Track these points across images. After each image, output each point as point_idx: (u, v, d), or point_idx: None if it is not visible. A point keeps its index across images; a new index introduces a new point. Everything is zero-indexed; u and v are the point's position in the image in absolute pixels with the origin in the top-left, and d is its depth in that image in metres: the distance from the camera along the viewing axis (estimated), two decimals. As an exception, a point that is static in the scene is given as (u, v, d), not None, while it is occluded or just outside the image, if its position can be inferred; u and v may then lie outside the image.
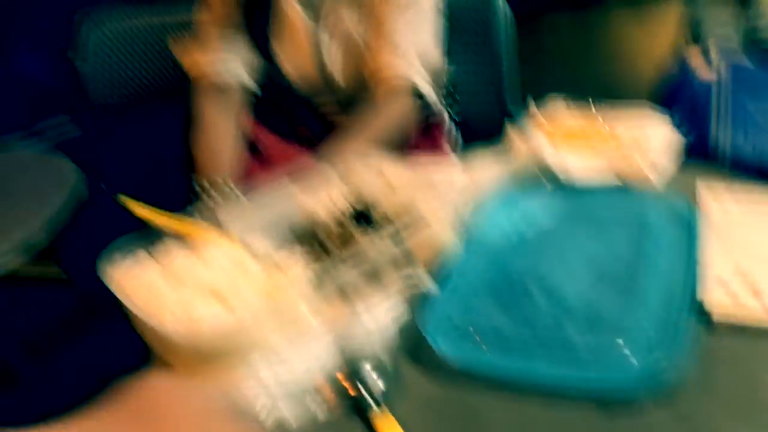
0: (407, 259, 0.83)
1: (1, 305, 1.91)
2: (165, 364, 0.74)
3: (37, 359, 1.92)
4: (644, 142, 1.00)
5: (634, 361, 0.67)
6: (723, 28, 1.73)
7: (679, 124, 1.07)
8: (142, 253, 0.81)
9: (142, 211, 0.85)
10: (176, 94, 2.03)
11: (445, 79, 1.43)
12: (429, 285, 0.81)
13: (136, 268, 0.78)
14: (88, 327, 2.06)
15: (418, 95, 1.26)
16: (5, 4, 2.17)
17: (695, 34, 1.84)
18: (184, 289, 0.73)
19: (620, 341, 0.70)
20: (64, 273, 1.68)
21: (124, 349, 0.90)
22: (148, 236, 0.83)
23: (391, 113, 1.22)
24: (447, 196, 0.87)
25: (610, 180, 0.97)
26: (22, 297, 2.15)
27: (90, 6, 1.73)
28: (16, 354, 1.74)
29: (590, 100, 1.13)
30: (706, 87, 1.39)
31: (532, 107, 1.18)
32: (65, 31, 1.73)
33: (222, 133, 1.22)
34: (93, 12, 1.73)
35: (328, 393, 0.68)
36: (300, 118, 1.34)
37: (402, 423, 0.63)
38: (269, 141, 1.29)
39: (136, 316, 0.70)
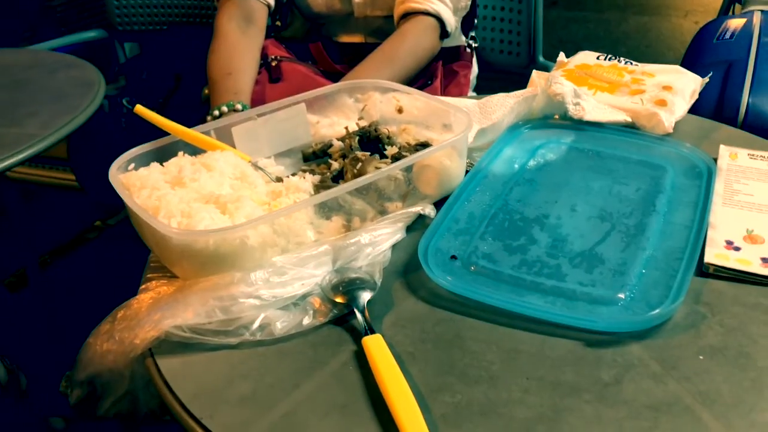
0: (412, 187, 0.82)
1: (18, 214, 1.94)
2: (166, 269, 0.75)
3: (47, 266, 1.97)
4: (669, 93, 0.97)
5: (626, 304, 0.67)
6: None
7: (707, 83, 1.05)
8: (151, 160, 0.81)
9: (157, 120, 0.85)
10: (201, 18, 2.03)
11: (473, 19, 1.40)
12: (431, 213, 0.81)
13: (143, 172, 0.78)
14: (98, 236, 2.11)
15: (440, 25, 1.23)
16: None
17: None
18: (186, 194, 0.73)
19: (616, 284, 0.69)
20: (78, 181, 1.70)
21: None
22: (160, 145, 0.84)
23: (412, 42, 1.20)
24: (460, 128, 0.86)
25: (630, 127, 0.95)
26: (37, 205, 2.20)
27: None
28: (31, 260, 1.78)
29: (621, 56, 1.10)
30: (742, 49, 1.35)
31: (561, 55, 1.16)
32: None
33: (241, 53, 1.20)
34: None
35: (320, 306, 0.69)
36: (321, 45, 1.32)
37: (388, 340, 0.64)
38: (288, 64, 1.27)
39: (137, 216, 0.71)
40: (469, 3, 1.29)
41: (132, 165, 0.80)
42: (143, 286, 0.74)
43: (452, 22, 1.25)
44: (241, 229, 0.68)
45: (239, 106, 1.09)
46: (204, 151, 0.84)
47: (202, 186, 0.75)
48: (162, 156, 0.83)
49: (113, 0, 2.08)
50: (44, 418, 1.50)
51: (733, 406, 0.57)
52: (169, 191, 0.74)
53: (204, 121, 1.11)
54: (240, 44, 1.22)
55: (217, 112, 1.09)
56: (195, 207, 0.71)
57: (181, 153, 0.82)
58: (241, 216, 0.71)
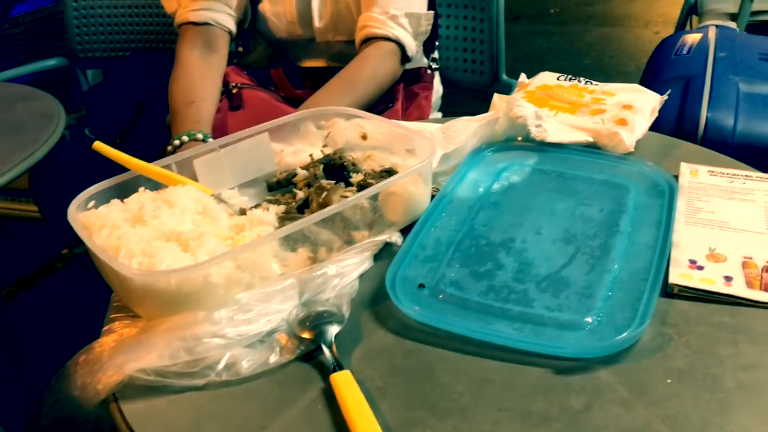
0: (378, 215, 0.82)
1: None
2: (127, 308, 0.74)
3: (13, 298, 1.92)
4: (629, 112, 0.98)
5: (594, 329, 0.67)
6: (722, 3, 1.70)
7: (667, 100, 1.06)
8: (111, 197, 0.80)
9: (117, 156, 0.83)
10: (164, 43, 2.01)
11: (434, 42, 1.41)
12: (398, 241, 0.81)
13: (103, 210, 0.77)
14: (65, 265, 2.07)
15: (401, 50, 1.24)
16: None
17: (694, 9, 1.82)
18: (147, 232, 0.72)
19: (582, 308, 0.69)
20: (40, 212, 1.66)
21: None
22: (120, 181, 0.83)
23: (372, 67, 1.20)
24: (424, 154, 0.86)
25: (592, 147, 0.96)
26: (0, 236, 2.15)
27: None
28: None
29: (585, 67, 1.12)
30: (700, 64, 1.37)
31: (522, 76, 1.16)
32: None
33: (202, 81, 1.19)
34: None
35: (287, 343, 0.68)
36: (282, 70, 1.32)
37: (357, 375, 0.63)
38: (249, 91, 1.27)
39: (96, 256, 0.69)
40: (430, 27, 1.29)
41: (92, 203, 0.79)
42: (106, 328, 0.73)
43: (413, 46, 1.25)
44: (204, 266, 0.67)
45: (200, 136, 1.08)
46: (166, 186, 0.83)
47: (164, 223, 0.74)
48: (123, 192, 0.81)
49: (74, 27, 2.06)
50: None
51: (701, 430, 0.57)
52: (129, 230, 0.72)
53: (169, 149, 1.10)
54: (201, 72, 1.21)
55: (177, 142, 1.08)
56: (156, 245, 0.70)
57: (142, 189, 0.81)
58: (203, 253, 0.70)
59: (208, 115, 1.14)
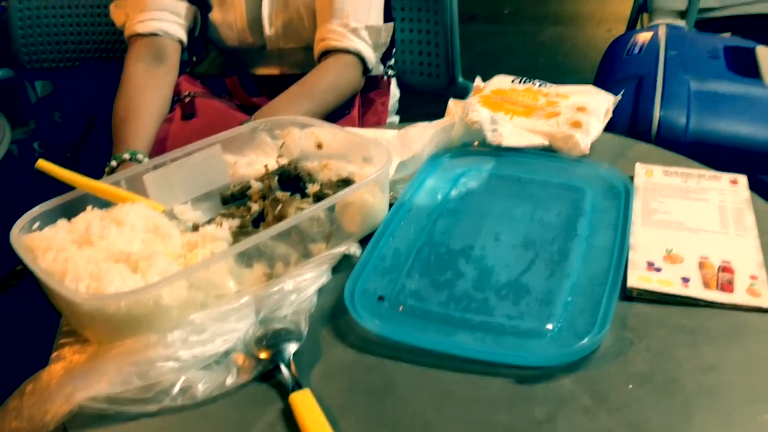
0: (335, 226, 0.80)
1: None
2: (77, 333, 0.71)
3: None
4: (583, 114, 0.98)
5: (555, 336, 0.67)
6: (671, 1, 1.73)
7: (620, 99, 1.07)
8: (58, 217, 0.77)
9: (62, 174, 0.80)
10: (114, 53, 1.96)
11: (391, 50, 1.39)
12: (356, 252, 0.79)
13: (48, 232, 0.74)
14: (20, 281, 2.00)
15: (362, 62, 1.22)
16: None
17: (644, 7, 1.84)
18: (95, 253, 0.69)
19: (543, 315, 0.69)
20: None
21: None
22: (67, 200, 0.80)
23: (333, 77, 1.19)
24: (380, 162, 0.84)
25: (547, 150, 0.96)
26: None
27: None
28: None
29: (540, 67, 1.12)
30: (651, 63, 1.39)
31: (477, 80, 1.16)
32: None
33: (142, 95, 1.16)
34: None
35: (244, 363, 0.66)
36: (236, 79, 1.29)
37: (317, 393, 0.62)
38: (202, 100, 1.24)
39: (42, 281, 0.67)
40: (389, 39, 1.28)
41: (37, 224, 0.76)
42: (55, 354, 0.70)
43: (373, 59, 1.24)
44: (155, 288, 0.65)
45: (127, 156, 1.03)
46: (115, 203, 0.80)
47: (112, 244, 0.71)
48: (70, 210, 0.78)
49: (19, 37, 1.99)
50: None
51: (663, 436, 0.57)
52: (76, 252, 0.70)
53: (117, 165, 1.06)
54: (142, 86, 1.17)
55: (107, 168, 1.03)
56: (104, 268, 0.67)
57: (90, 207, 0.78)
58: (154, 274, 0.68)
59: (142, 132, 1.09)
